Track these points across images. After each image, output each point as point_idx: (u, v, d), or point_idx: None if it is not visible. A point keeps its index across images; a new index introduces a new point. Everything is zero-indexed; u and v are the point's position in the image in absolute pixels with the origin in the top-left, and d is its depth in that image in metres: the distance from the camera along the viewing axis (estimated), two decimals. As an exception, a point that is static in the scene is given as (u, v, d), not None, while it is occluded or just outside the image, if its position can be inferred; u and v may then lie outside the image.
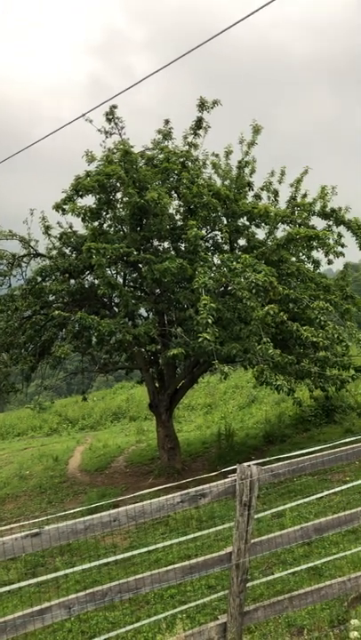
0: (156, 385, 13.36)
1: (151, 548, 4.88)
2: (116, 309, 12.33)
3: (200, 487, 4.01)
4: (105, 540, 8.78)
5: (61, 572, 4.44)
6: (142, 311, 12.81)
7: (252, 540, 4.15)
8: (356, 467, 10.05)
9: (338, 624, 4.70)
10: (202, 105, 11.89)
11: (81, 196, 11.56)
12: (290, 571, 5.40)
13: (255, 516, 4.23)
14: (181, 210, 12.32)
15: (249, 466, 4.14)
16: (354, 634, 3.65)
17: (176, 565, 3.96)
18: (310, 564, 5.69)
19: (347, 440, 5.22)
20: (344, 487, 5.77)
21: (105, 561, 4.86)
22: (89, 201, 11.81)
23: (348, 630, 3.80)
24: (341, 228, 12.47)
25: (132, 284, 12.92)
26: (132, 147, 11.53)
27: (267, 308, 9.96)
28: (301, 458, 4.32)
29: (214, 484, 4.01)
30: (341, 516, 4.46)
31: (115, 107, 11.80)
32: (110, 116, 11.87)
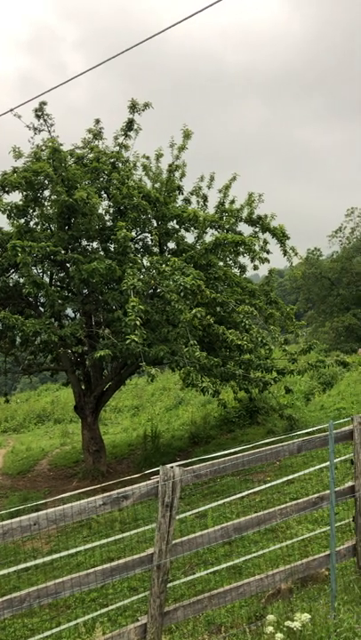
0: (83, 387, 13.20)
1: (73, 551, 4.83)
2: (42, 309, 12.08)
3: (122, 489, 4.01)
4: (26, 545, 8.58)
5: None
6: (69, 312, 12.63)
7: (174, 541, 4.19)
8: (276, 467, 10.36)
9: (255, 620, 4.83)
10: (133, 106, 11.89)
11: (7, 192, 11.26)
12: (210, 570, 5.49)
13: (178, 517, 4.28)
14: (111, 210, 12.26)
15: (172, 467, 4.19)
16: (269, 629, 3.76)
17: (97, 568, 3.94)
18: (231, 563, 5.81)
19: (267, 440, 5.39)
20: (264, 487, 5.94)
21: (24, 566, 4.76)
22: (15, 197, 11.50)
23: (264, 626, 3.91)
24: (267, 235, 12.85)
25: (58, 283, 12.70)
26: (61, 145, 11.36)
27: (194, 310, 10.08)
28: (223, 459, 4.41)
29: (137, 485, 4.02)
30: (260, 515, 4.58)
31: (44, 103, 11.59)
32: (40, 113, 11.65)
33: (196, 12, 6.17)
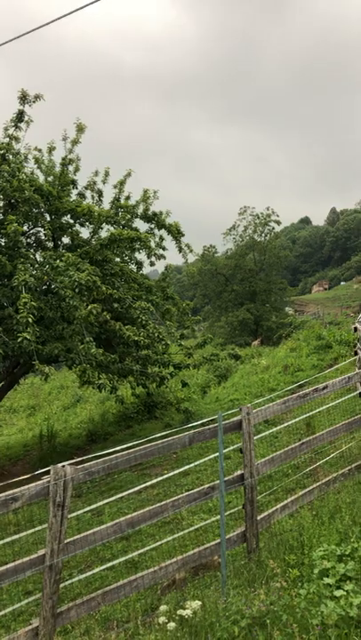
0: (-27, 387, 12.64)
1: None
2: None
3: (11, 491, 3.90)
4: None
5: None
6: None
7: (67, 540, 4.15)
8: (173, 460, 10.53)
9: (150, 612, 4.89)
10: (24, 97, 11.52)
11: None
12: (105, 566, 5.48)
13: (73, 516, 4.23)
14: (1, 204, 11.80)
15: (63, 466, 4.13)
16: (161, 619, 3.83)
17: (-16, 575, 3.80)
18: (126, 558, 5.84)
19: (162, 434, 5.46)
20: (158, 480, 6.02)
21: None
22: None
23: (158, 616, 3.98)
24: (163, 232, 13.01)
25: None
26: None
27: (90, 307, 9.99)
28: (115, 455, 4.42)
29: (26, 487, 3.93)
30: (153, 508, 4.64)
31: None
32: None
33: (87, 5, 6.09)
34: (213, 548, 5.03)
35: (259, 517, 5.32)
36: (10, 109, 11.79)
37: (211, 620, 3.73)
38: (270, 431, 8.07)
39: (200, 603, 3.93)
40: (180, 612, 3.89)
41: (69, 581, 5.12)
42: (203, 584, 5.10)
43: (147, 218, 12.93)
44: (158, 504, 4.71)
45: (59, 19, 6.19)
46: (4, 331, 10.43)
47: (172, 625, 3.76)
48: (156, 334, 11.24)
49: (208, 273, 42.44)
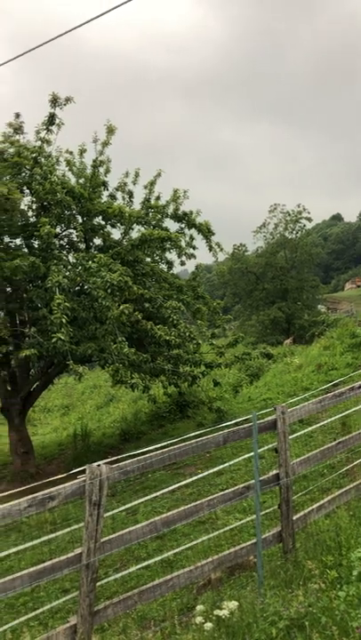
0: (8, 388, 12.84)
1: (0, 555, 4.70)
2: None
3: (48, 490, 3.94)
4: None
5: None
6: (-8, 311, 12.24)
7: (102, 539, 4.17)
8: (206, 459, 10.51)
9: (187, 612, 4.89)
10: (54, 100, 11.65)
11: None
12: (141, 565, 5.50)
13: (108, 515, 4.26)
14: (34, 206, 11.97)
15: (99, 465, 4.16)
16: (198, 619, 3.82)
17: (23, 572, 3.85)
18: (161, 557, 5.85)
19: (195, 433, 5.45)
20: (193, 479, 6.01)
21: None
22: None
23: (194, 616, 3.97)
24: (193, 231, 13.00)
25: (-20, 282, 12.28)
26: (-21, 139, 10.98)
27: (122, 307, 10.06)
28: (150, 454, 4.42)
29: (62, 486, 3.97)
30: (188, 507, 4.64)
31: None
32: None
33: (112, 9, 6.13)
34: (249, 548, 5.00)
35: (295, 517, 5.27)
36: (40, 113, 11.96)
37: (248, 620, 3.71)
38: (305, 431, 7.97)
39: (237, 603, 3.91)
40: (216, 612, 3.88)
41: (105, 580, 5.15)
42: (239, 584, 5.08)
43: (177, 217, 12.94)
44: (193, 503, 4.70)
45: (87, 22, 6.24)
46: (39, 331, 10.58)
47: (209, 625, 3.75)
48: (187, 333, 11.24)
49: (238, 272, 42.22)
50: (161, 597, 4.94)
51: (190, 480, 6.05)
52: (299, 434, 7.74)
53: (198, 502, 4.68)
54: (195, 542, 5.63)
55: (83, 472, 4.16)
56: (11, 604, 6.19)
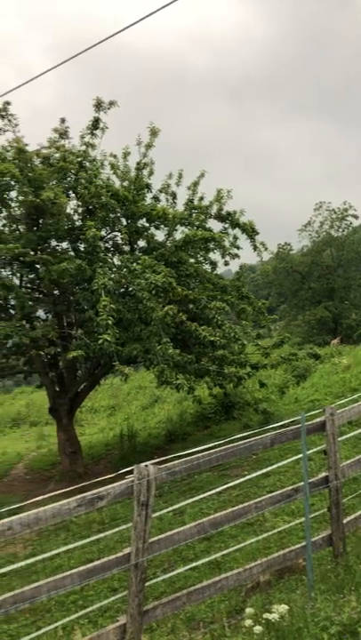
0: (57, 388, 13.08)
1: (50, 554, 4.77)
2: (12, 311, 11.92)
3: (97, 490, 3.98)
4: (3, 550, 8.47)
5: None
6: (40, 313, 12.49)
7: (151, 540, 4.19)
8: (253, 461, 10.42)
9: (235, 614, 4.86)
10: (99, 105, 11.81)
11: (-28, 194, 11.08)
12: (189, 566, 5.50)
13: (155, 515, 4.27)
14: (80, 210, 12.16)
15: (146, 466, 4.18)
16: (248, 622, 3.78)
17: (73, 571, 3.90)
18: (209, 558, 5.83)
19: (242, 435, 5.41)
20: (240, 481, 5.97)
21: (1, 571, 4.68)
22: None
23: (244, 619, 3.94)
24: (237, 231, 12.93)
25: (28, 285, 12.54)
26: (26, 145, 11.22)
27: (166, 308, 10.09)
28: (197, 455, 4.41)
29: (111, 486, 4.00)
30: (236, 509, 4.61)
31: (8, 103, 11.43)
32: (3, 113, 11.49)
33: (155, 12, 6.15)
34: (298, 551, 4.92)
35: (345, 521, 5.16)
36: (84, 118, 12.13)
37: (298, 625, 3.65)
38: (355, 432, 7.80)
39: (287, 607, 3.86)
40: (266, 615, 3.83)
41: (154, 580, 5.17)
42: (288, 588, 5.01)
43: (220, 218, 12.90)
44: (241, 505, 4.66)
45: (129, 27, 6.29)
46: (86, 333, 10.74)
47: (258, 628, 3.71)
48: (232, 334, 11.18)
49: (283, 271, 41.65)
50: (209, 599, 4.92)
51: (239, 481, 6.00)
52: (348, 436, 7.56)
53: (246, 504, 4.65)
54: (243, 544, 5.59)
55: (130, 472, 4.18)
56: (61, 602, 6.29)
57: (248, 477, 6.15)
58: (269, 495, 4.89)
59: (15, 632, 5.65)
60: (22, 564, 4.43)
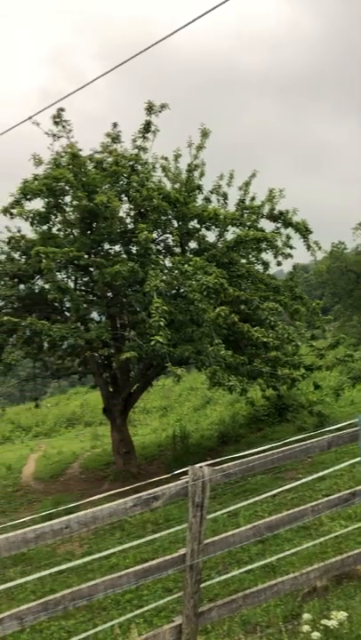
0: (110, 389, 13.26)
1: (106, 553, 4.85)
2: (68, 314, 12.18)
3: (152, 490, 4.01)
4: (60, 548, 8.66)
5: (13, 583, 4.34)
6: (94, 315, 12.70)
7: (206, 541, 4.18)
8: (307, 464, 10.26)
9: (291, 619, 4.78)
10: (150, 108, 11.90)
11: (29, 200, 11.35)
12: (244, 569, 5.46)
13: (209, 517, 4.26)
14: (132, 213, 12.29)
15: (201, 467, 4.17)
16: (305, 627, 3.72)
17: (129, 570, 3.94)
18: (265, 562, 5.77)
19: (297, 437, 5.33)
20: (295, 484, 5.88)
21: (59, 569, 4.79)
22: (37, 204, 11.64)
23: (301, 624, 3.88)
24: (289, 230, 12.76)
25: (83, 287, 12.79)
26: (80, 150, 11.44)
27: (218, 309, 10.06)
28: (252, 457, 4.38)
29: (166, 486, 4.02)
30: (292, 512, 4.54)
31: (62, 109, 11.67)
32: (58, 119, 11.73)
33: (204, 14, 6.15)
34: (356, 557, 4.81)
35: None
36: (133, 121, 12.25)
37: (358, 632, 3.57)
38: None
39: (346, 614, 3.77)
40: (324, 621, 3.76)
41: (208, 582, 5.16)
42: (346, 594, 4.89)
43: (273, 217, 12.76)
44: (297, 508, 4.59)
45: (178, 30, 6.30)
46: (138, 334, 10.84)
47: (316, 635, 3.65)
48: (285, 335, 11.03)
49: (337, 270, 40.79)
50: (265, 603, 4.86)
51: (295, 484, 5.92)
52: None
53: (303, 507, 4.57)
54: (299, 548, 5.51)
55: (184, 473, 4.19)
56: (116, 600, 6.36)
57: (303, 481, 6.06)
58: (326, 499, 4.79)
59: (73, 628, 5.76)
60: (79, 562, 4.52)
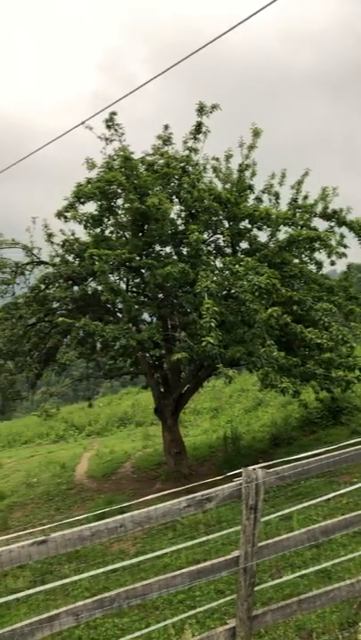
0: (161, 390, 13.35)
1: (159, 553, 4.87)
2: (120, 315, 12.34)
3: (206, 491, 4.00)
4: (114, 547, 8.77)
5: (69, 580, 4.42)
6: (146, 316, 12.82)
7: (260, 544, 4.13)
8: (363, 468, 10.01)
9: (348, 627, 4.67)
10: (201, 109, 11.90)
11: (82, 203, 11.57)
12: (298, 574, 5.37)
13: (262, 520, 4.21)
14: (183, 214, 12.32)
15: (254, 469, 4.13)
16: (363, 636, 3.63)
17: (183, 570, 3.95)
18: (319, 567, 5.66)
19: (353, 441, 5.20)
20: (351, 488, 5.75)
21: (112, 567, 4.85)
22: (90, 208, 11.84)
23: (358, 633, 3.78)
24: (343, 229, 12.49)
25: (134, 289, 12.93)
26: (132, 153, 11.56)
27: (270, 310, 9.95)
28: (307, 460, 4.30)
29: (220, 487, 4.00)
30: (348, 517, 4.43)
31: (114, 113, 11.82)
32: (110, 123, 11.89)
33: (253, 14, 6.10)
34: None
35: None
36: (184, 123, 12.27)
37: None
38: None
39: None
40: (382, 631, 3.65)
41: (262, 586, 5.10)
42: None
43: (326, 216, 12.52)
44: (354, 513, 4.48)
45: (228, 32, 6.28)
46: (189, 335, 10.85)
47: (374, 644, 3.54)
48: (339, 336, 10.78)
49: (392, 270, 39.82)
50: (320, 609, 4.77)
51: (349, 489, 5.78)
52: None
53: (358, 512, 4.46)
54: (355, 554, 5.37)
55: (236, 475, 4.16)
56: (169, 600, 6.39)
57: (359, 485, 5.91)
58: (384, 505, 4.66)
59: (126, 627, 5.82)
60: (133, 560, 4.55)
